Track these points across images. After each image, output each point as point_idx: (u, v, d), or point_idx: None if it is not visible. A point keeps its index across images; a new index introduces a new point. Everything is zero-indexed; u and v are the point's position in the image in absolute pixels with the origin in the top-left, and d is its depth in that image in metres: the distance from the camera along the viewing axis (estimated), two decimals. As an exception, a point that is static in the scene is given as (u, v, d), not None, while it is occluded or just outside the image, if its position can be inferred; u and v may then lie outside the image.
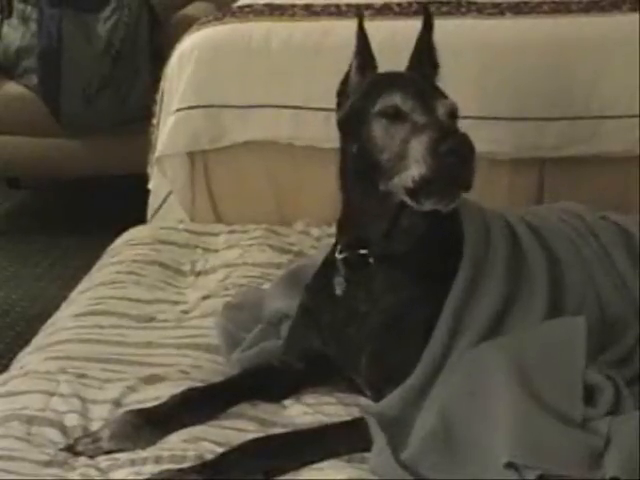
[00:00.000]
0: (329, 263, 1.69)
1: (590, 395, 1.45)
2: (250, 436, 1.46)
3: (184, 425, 1.51)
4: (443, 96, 1.59)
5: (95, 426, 1.52)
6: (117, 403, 1.58)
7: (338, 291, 1.63)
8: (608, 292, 1.67)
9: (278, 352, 1.70)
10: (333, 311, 1.64)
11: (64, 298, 2.11)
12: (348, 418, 1.53)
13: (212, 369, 1.70)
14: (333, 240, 1.71)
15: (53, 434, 1.50)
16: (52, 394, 1.59)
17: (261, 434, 1.48)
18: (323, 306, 1.66)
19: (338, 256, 1.64)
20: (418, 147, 1.49)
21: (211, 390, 1.59)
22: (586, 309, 1.63)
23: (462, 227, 1.63)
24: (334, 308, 1.64)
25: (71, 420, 1.53)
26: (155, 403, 1.55)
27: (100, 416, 1.54)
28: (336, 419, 1.53)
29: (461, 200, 1.57)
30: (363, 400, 1.61)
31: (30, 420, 1.52)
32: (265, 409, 1.59)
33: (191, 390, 1.57)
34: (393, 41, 2.30)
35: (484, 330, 1.55)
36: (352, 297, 1.62)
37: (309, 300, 1.71)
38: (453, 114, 1.57)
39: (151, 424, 1.49)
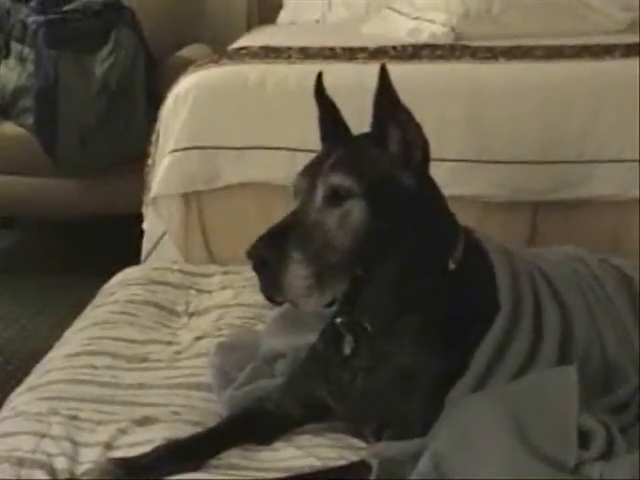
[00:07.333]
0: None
1: (582, 439, 1.44)
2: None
3: (166, 476, 1.47)
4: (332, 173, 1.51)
5: (82, 470, 1.50)
6: (108, 446, 1.56)
7: (347, 350, 1.57)
8: (611, 339, 1.67)
9: (275, 394, 1.66)
10: (342, 367, 1.58)
11: (57, 337, 2.10)
12: (343, 462, 1.50)
13: (205, 408, 1.69)
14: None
15: (42, 477, 1.48)
16: (43, 436, 1.58)
17: (255, 479, 1.46)
18: (333, 360, 1.60)
19: (336, 320, 1.59)
20: None
21: (196, 441, 1.55)
22: (591, 357, 1.63)
23: (494, 275, 1.60)
24: (343, 365, 1.58)
25: (60, 463, 1.52)
26: (146, 447, 1.53)
27: (90, 459, 1.53)
28: (330, 462, 1.51)
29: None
30: (355, 441, 1.59)
31: (20, 462, 1.51)
32: (256, 452, 1.56)
33: (175, 442, 1.54)
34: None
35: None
36: (360, 355, 1.56)
37: (321, 351, 1.65)
38: (333, 191, 1.48)
39: (132, 475, 1.46)
